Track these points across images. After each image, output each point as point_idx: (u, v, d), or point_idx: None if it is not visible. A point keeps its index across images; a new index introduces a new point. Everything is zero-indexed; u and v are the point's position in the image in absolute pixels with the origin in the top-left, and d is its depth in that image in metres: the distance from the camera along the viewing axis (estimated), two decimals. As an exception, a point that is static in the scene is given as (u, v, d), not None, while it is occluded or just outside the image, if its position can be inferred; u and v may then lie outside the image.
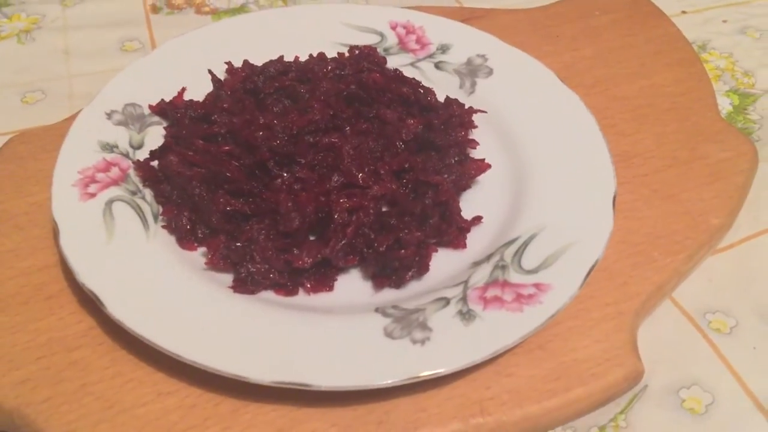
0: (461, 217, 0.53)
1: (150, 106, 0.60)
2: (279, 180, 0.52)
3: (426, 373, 0.44)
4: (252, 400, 0.47)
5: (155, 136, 0.59)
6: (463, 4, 0.82)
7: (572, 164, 0.56)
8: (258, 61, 0.63)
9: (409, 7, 0.70)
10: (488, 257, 0.52)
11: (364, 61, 0.61)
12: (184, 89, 0.61)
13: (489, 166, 0.56)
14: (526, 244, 0.52)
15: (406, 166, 0.54)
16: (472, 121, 0.59)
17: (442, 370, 0.44)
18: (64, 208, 0.51)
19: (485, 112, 0.60)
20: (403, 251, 0.49)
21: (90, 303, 0.50)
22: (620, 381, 0.49)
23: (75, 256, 0.49)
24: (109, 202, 0.53)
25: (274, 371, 0.44)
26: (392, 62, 0.65)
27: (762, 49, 0.78)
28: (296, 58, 0.63)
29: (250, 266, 0.49)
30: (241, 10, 0.81)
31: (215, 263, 0.50)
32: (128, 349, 0.49)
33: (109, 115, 0.58)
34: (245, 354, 0.45)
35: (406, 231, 0.50)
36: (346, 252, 0.50)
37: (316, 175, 0.53)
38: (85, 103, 0.67)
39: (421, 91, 0.60)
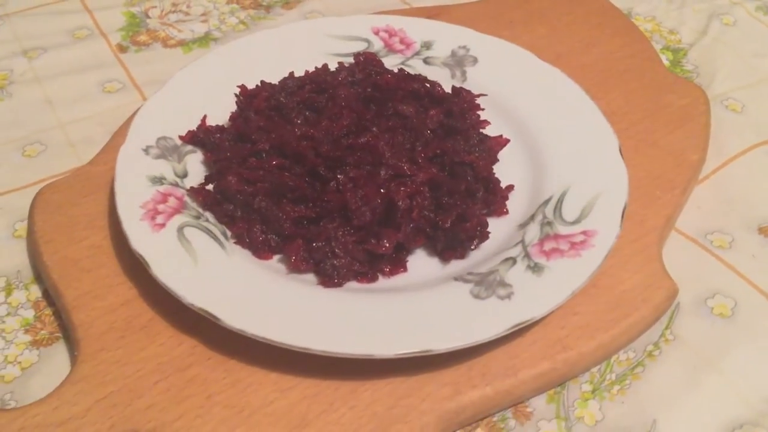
0: (501, 187, 0.59)
1: (181, 137, 0.63)
2: (333, 182, 0.57)
3: (522, 321, 0.50)
4: (366, 379, 0.51)
5: (195, 163, 0.62)
6: (411, 5, 0.89)
7: (574, 127, 0.64)
8: (262, 80, 0.68)
9: (380, 13, 0.76)
10: (532, 217, 0.59)
11: (370, 65, 0.67)
12: (205, 116, 0.64)
13: (508, 140, 0.63)
14: (560, 200, 0.59)
15: (438, 152, 0.60)
16: (479, 104, 0.66)
17: (535, 316, 0.51)
18: (142, 243, 0.54)
19: (486, 95, 0.67)
20: (468, 224, 0.55)
21: (186, 325, 0.54)
22: (663, 301, 0.57)
23: (173, 282, 0.51)
24: (180, 229, 0.56)
25: (396, 345, 0.49)
26: (385, 64, 0.70)
27: (677, 10, 0.89)
28: (306, 72, 0.68)
29: (334, 261, 0.54)
30: (207, 38, 0.84)
31: (298, 265, 0.55)
32: (238, 358, 0.52)
33: (146, 151, 0.61)
34: (365, 336, 0.49)
35: (465, 206, 0.56)
36: (414, 234, 0.56)
37: (364, 172, 0.58)
38: (90, 148, 0.70)
39: (428, 85, 0.66)
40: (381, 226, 0.55)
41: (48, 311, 0.58)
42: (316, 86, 0.65)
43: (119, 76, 0.79)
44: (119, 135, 0.68)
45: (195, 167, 0.62)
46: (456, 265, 0.56)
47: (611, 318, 0.55)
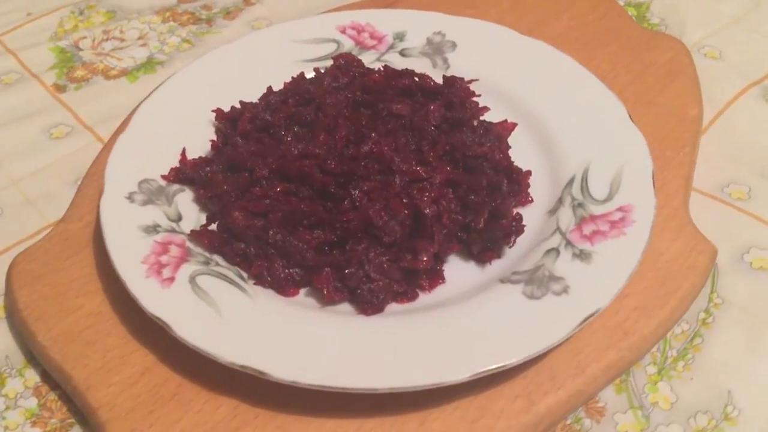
0: (523, 175, 0.56)
1: (164, 177, 0.57)
2: (347, 200, 0.52)
3: (589, 315, 0.47)
4: (432, 407, 0.47)
5: (186, 202, 0.56)
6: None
7: (576, 100, 0.61)
8: (235, 100, 0.62)
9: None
10: (560, 201, 0.55)
11: (352, 67, 0.62)
12: (184, 150, 0.58)
13: (515, 124, 0.60)
14: (584, 179, 0.56)
15: (448, 148, 0.56)
16: (473, 91, 0.62)
17: (600, 306, 0.47)
18: (155, 303, 0.48)
19: (477, 80, 0.63)
20: (504, 221, 0.52)
21: (221, 384, 0.48)
22: (708, 265, 0.55)
23: (202, 341, 0.46)
24: (192, 280, 0.50)
25: (466, 366, 0.45)
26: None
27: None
28: (285, 84, 0.63)
29: (371, 285, 0.49)
30: (151, 62, 0.77)
31: (333, 297, 0.50)
32: (288, 410, 0.47)
33: (130, 198, 0.55)
34: (429, 362, 0.45)
35: (495, 202, 0.52)
36: (447, 241, 0.52)
37: (378, 183, 0.53)
38: (53, 205, 0.63)
39: (417, 78, 0.61)
40: (411, 239, 0.51)
41: (53, 396, 0.52)
42: (299, 98, 0.60)
43: (64, 119, 0.72)
44: (87, 185, 0.61)
45: (187, 207, 0.56)
46: (494, 266, 0.53)
47: (663, 293, 0.53)
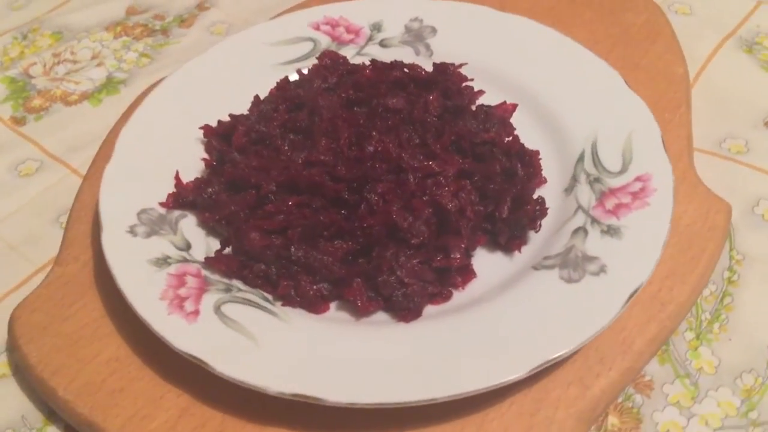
0: (536, 157, 0.55)
1: (162, 204, 0.54)
2: (363, 205, 0.50)
3: (633, 291, 0.46)
4: (488, 407, 0.46)
5: (189, 228, 0.53)
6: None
7: (569, 72, 0.60)
8: (221, 113, 0.59)
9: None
10: (574, 178, 0.54)
11: (339, 66, 0.59)
12: (177, 173, 0.55)
13: (515, 105, 0.58)
14: (594, 152, 0.55)
15: (454, 138, 0.55)
16: (466, 75, 0.60)
17: (643, 281, 0.47)
18: (185, 340, 0.45)
19: (467, 63, 0.61)
20: (528, 207, 0.50)
21: (270, 414, 0.46)
22: (726, 222, 0.55)
23: (245, 373, 0.44)
24: (217, 310, 0.47)
25: (523, 362, 0.43)
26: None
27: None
28: (271, 91, 0.60)
29: (405, 291, 0.47)
30: (111, 82, 0.73)
31: (368, 308, 0.48)
32: (342, 429, 0.45)
33: (132, 232, 0.51)
34: (485, 363, 0.44)
35: (516, 188, 0.51)
36: (473, 234, 0.50)
37: (392, 183, 0.51)
38: (39, 247, 0.59)
39: (406, 70, 0.60)
40: (438, 237, 0.49)
41: (82, 452, 0.49)
42: (290, 104, 0.57)
43: (30, 154, 0.67)
44: (76, 222, 0.58)
45: (193, 233, 0.53)
46: (521, 253, 0.51)
47: (691, 257, 0.52)
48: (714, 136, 0.64)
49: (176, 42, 0.77)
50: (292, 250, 0.49)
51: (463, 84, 0.59)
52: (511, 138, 0.55)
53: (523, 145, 0.55)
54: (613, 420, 0.48)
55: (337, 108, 0.56)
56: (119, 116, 0.68)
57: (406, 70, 0.60)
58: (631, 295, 0.46)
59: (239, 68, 0.63)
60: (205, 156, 0.58)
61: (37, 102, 0.72)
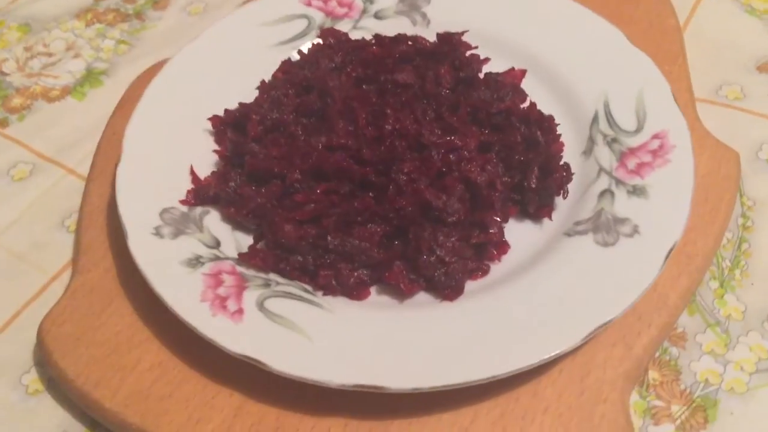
0: (551, 122, 0.55)
1: (182, 201, 0.52)
2: (392, 185, 0.50)
3: (670, 248, 0.47)
4: (540, 374, 0.47)
5: (214, 223, 0.52)
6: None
7: (571, 32, 0.60)
8: (224, 100, 0.58)
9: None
10: (591, 140, 0.55)
11: (343, 43, 0.58)
12: (192, 168, 0.54)
13: (524, 71, 0.58)
14: (608, 113, 0.56)
15: (469, 109, 0.54)
16: (469, 43, 0.60)
17: (677, 238, 0.48)
18: (236, 341, 0.45)
19: (468, 30, 0.61)
20: (556, 174, 0.51)
21: (324, 409, 0.46)
22: (737, 170, 0.56)
23: (305, 370, 0.43)
24: (261, 306, 0.47)
25: (580, 328, 0.44)
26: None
27: None
28: (275, 74, 0.58)
29: (446, 269, 0.48)
30: (92, 74, 0.71)
31: (411, 289, 0.48)
32: (399, 414, 0.46)
33: (158, 234, 0.50)
34: (543, 333, 0.44)
35: (540, 157, 0.51)
36: (504, 206, 0.51)
37: (417, 162, 0.51)
38: (50, 255, 0.57)
39: (410, 42, 0.59)
40: (472, 212, 0.49)
41: (134, 461, 0.48)
42: (298, 87, 0.56)
43: (21, 156, 0.65)
44: (88, 226, 0.56)
45: (219, 229, 0.52)
46: (552, 222, 0.52)
47: (710, 208, 0.54)
48: (710, 84, 0.65)
49: (153, 26, 0.75)
50: (329, 239, 0.48)
51: (468, 53, 0.59)
52: (528, 105, 0.55)
53: (540, 111, 0.55)
54: (653, 374, 0.50)
55: (349, 88, 0.55)
56: (106, 109, 0.66)
57: (410, 42, 0.59)
58: (668, 253, 0.47)
59: (235, 52, 0.61)
60: (216, 147, 0.56)
61: (17, 101, 0.69)
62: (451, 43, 0.58)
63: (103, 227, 0.55)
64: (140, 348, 0.49)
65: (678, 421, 0.48)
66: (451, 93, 0.55)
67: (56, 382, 0.50)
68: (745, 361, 0.50)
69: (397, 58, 0.57)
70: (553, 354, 0.43)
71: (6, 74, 0.71)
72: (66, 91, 0.69)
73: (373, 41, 0.59)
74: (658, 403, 0.49)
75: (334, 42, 0.58)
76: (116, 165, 0.54)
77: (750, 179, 0.59)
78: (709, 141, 0.57)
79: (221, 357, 0.46)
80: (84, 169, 0.63)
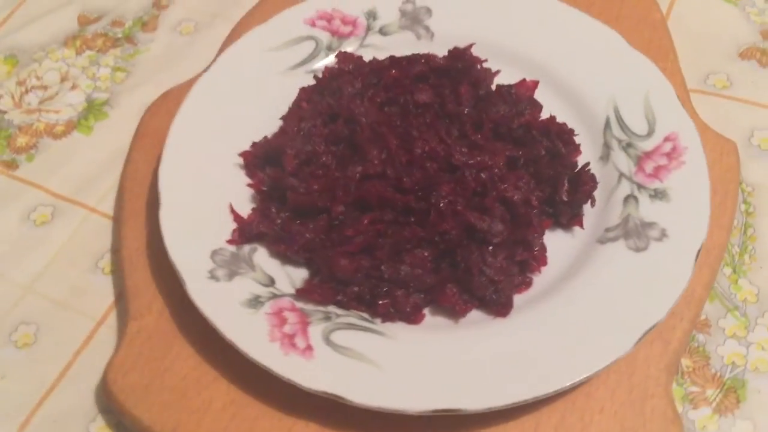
0: (569, 132, 0.58)
1: (230, 241, 0.54)
2: (434, 211, 0.52)
3: (698, 249, 0.51)
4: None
5: (263, 260, 0.54)
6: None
7: (572, 38, 0.63)
8: (246, 132, 0.59)
9: None
10: (606, 146, 0.58)
11: (362, 68, 0.60)
12: (231, 206, 0.56)
13: (536, 82, 0.61)
14: (618, 117, 0.59)
15: (491, 125, 0.57)
16: (478, 56, 0.62)
17: (703, 237, 0.52)
18: (313, 378, 0.47)
19: (474, 43, 0.63)
20: (586, 186, 0.54)
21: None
22: (736, 159, 0.60)
23: (386, 400, 0.46)
24: (328, 341, 0.49)
25: (630, 334, 0.48)
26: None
27: None
28: (297, 104, 0.60)
29: (497, 287, 0.51)
30: (94, 105, 0.70)
31: (465, 310, 0.51)
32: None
33: (213, 276, 0.52)
34: (597, 341, 0.48)
35: (567, 171, 0.54)
36: (540, 219, 0.54)
37: (452, 184, 0.53)
38: (92, 300, 0.58)
39: (423, 60, 0.61)
40: (513, 231, 0.52)
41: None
42: (324, 117, 0.58)
43: (38, 199, 0.65)
44: (131, 269, 0.57)
45: (269, 265, 0.54)
46: (581, 231, 0.55)
47: (719, 201, 0.58)
48: (697, 73, 0.69)
49: (146, 50, 0.74)
50: (383, 268, 0.51)
51: (479, 66, 0.61)
52: (544, 117, 0.58)
53: (560, 123, 0.58)
54: (686, 362, 0.54)
55: (374, 113, 0.57)
56: (117, 143, 0.67)
57: (423, 60, 0.61)
58: (698, 254, 0.51)
59: (248, 81, 0.62)
60: (248, 180, 0.58)
61: (21, 140, 0.68)
62: (464, 59, 0.60)
63: (146, 269, 0.56)
64: (210, 389, 0.51)
65: (714, 404, 0.52)
66: (472, 110, 0.58)
67: (129, 429, 0.52)
68: (766, 341, 0.55)
69: (413, 78, 0.59)
70: (611, 361, 0.47)
71: (3, 112, 0.70)
72: (71, 126, 0.69)
73: (388, 63, 0.61)
74: (693, 388, 0.53)
75: (353, 68, 0.60)
76: (146, 204, 0.57)
77: (746, 165, 0.63)
78: (709, 134, 0.61)
79: (292, 390, 0.48)
80: (105, 207, 0.63)
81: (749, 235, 0.60)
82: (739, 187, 0.62)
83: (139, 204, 0.60)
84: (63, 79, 0.72)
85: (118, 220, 0.60)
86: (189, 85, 0.66)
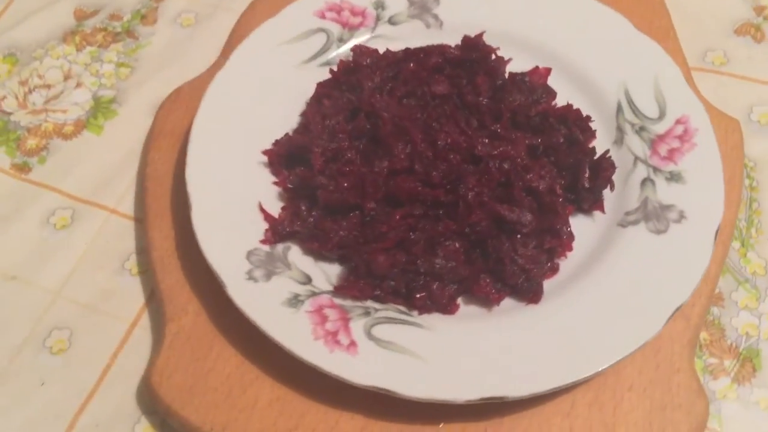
0: (584, 119, 0.60)
1: (263, 242, 0.55)
2: (462, 203, 0.54)
3: (716, 229, 0.54)
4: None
5: (298, 257, 0.55)
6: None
7: (580, 23, 0.65)
8: (266, 129, 0.60)
9: None
10: (619, 130, 0.60)
11: (380, 62, 0.61)
12: (260, 204, 0.56)
13: (548, 69, 0.62)
14: (630, 102, 0.61)
15: (509, 115, 0.59)
16: (491, 45, 0.63)
17: (720, 218, 0.54)
18: (362, 373, 0.49)
19: (485, 31, 0.64)
20: (606, 173, 0.56)
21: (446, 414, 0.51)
22: (739, 137, 0.63)
23: (430, 392, 0.48)
24: (369, 336, 0.51)
25: (660, 314, 0.51)
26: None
27: None
28: (316, 99, 0.60)
29: (528, 275, 0.53)
30: (101, 103, 0.70)
31: (499, 299, 0.53)
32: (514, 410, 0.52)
33: (251, 277, 0.53)
34: (629, 323, 0.51)
35: (588, 158, 0.56)
36: (564, 206, 0.56)
37: (477, 176, 0.55)
38: (116, 301, 0.59)
39: (438, 52, 0.62)
40: (540, 219, 0.54)
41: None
42: (346, 113, 0.59)
43: (56, 202, 0.64)
44: (162, 272, 0.57)
45: (303, 263, 0.55)
46: (601, 216, 0.57)
47: (728, 179, 0.59)
48: (695, 51, 0.71)
49: (148, 43, 0.74)
50: (419, 262, 0.52)
51: (494, 56, 0.62)
52: (566, 105, 0.59)
53: (577, 110, 0.59)
54: (703, 335, 0.57)
55: (395, 107, 0.58)
56: (129, 141, 0.67)
57: (438, 53, 0.62)
58: (716, 234, 0.54)
59: (264, 77, 0.63)
60: (273, 178, 0.58)
61: (32, 142, 0.68)
62: (477, 49, 0.61)
63: (179, 271, 0.57)
64: (254, 386, 0.52)
65: (732, 374, 0.56)
66: (489, 100, 0.59)
67: (176, 430, 0.53)
68: (776, 312, 0.58)
69: (430, 70, 0.60)
70: (643, 342, 0.50)
71: (8, 113, 0.70)
72: (80, 126, 0.69)
73: (403, 55, 0.61)
74: (712, 360, 0.56)
75: (370, 62, 0.61)
76: (170, 204, 0.58)
77: (747, 141, 0.65)
78: (713, 113, 0.63)
79: (335, 383, 0.50)
80: (125, 207, 0.64)
81: (754, 209, 0.62)
82: (742, 161, 0.64)
83: (162, 204, 0.60)
84: (66, 77, 0.72)
85: (142, 221, 0.61)
86: (200, 81, 0.66)
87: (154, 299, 0.58)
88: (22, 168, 0.66)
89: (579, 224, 0.57)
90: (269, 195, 0.58)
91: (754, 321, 0.58)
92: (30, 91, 0.71)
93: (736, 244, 0.61)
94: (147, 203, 0.61)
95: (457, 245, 0.53)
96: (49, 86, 0.71)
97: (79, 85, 0.71)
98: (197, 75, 0.68)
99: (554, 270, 0.55)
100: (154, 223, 0.59)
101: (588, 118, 0.59)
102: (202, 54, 0.71)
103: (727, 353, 0.56)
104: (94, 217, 0.63)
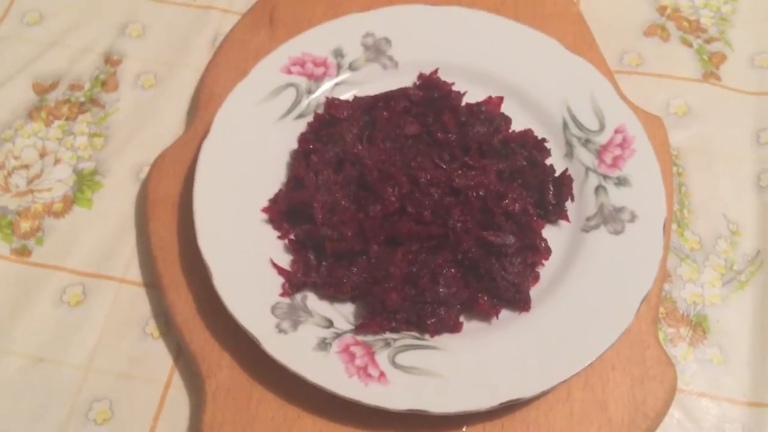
0: (540, 141, 0.68)
1: (282, 295, 0.61)
2: (452, 234, 0.62)
3: (663, 222, 0.63)
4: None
5: (315, 302, 0.62)
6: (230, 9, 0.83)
7: (518, 48, 0.73)
8: (260, 187, 0.66)
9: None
10: (568, 144, 0.69)
11: (356, 113, 0.67)
12: (272, 260, 0.63)
13: (501, 97, 0.70)
14: (573, 117, 0.70)
15: (475, 146, 0.66)
16: (446, 81, 0.70)
17: (664, 214, 0.64)
18: (397, 400, 0.56)
19: (438, 68, 0.71)
20: (566, 187, 0.65)
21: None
22: (665, 132, 0.73)
23: (458, 405, 0.56)
24: (394, 364, 0.58)
25: (631, 304, 0.60)
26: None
27: None
28: (300, 154, 0.66)
29: (518, 289, 0.61)
30: (83, 178, 0.73)
31: (497, 313, 0.61)
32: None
33: (282, 330, 0.59)
34: (615, 308, 0.60)
35: (549, 177, 0.65)
36: (537, 222, 0.65)
37: (461, 206, 0.63)
38: (147, 365, 0.64)
39: (404, 95, 0.69)
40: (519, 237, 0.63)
41: None
42: (333, 165, 0.65)
43: (65, 281, 0.68)
44: (191, 334, 0.63)
45: (322, 308, 0.62)
46: (568, 225, 0.66)
47: (662, 173, 0.70)
48: (613, 55, 0.80)
49: (115, 110, 0.77)
50: (427, 294, 0.60)
51: (451, 89, 0.70)
52: (525, 131, 0.67)
53: (535, 135, 0.68)
54: (660, 309, 0.67)
55: (378, 154, 0.65)
56: (121, 212, 0.71)
57: (404, 96, 0.69)
58: (664, 227, 0.64)
59: (247, 139, 0.67)
60: (276, 233, 0.64)
61: (25, 225, 0.71)
62: (438, 87, 0.69)
63: (205, 331, 0.63)
64: (297, 425, 0.59)
65: (688, 339, 0.66)
66: (456, 135, 0.67)
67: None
68: (714, 280, 0.69)
69: (400, 113, 0.67)
70: (622, 331, 0.59)
71: (-9, 199, 0.72)
72: (68, 201, 0.72)
73: (373, 102, 0.68)
74: (670, 330, 0.67)
75: (347, 115, 0.67)
76: (182, 269, 0.64)
77: (669, 132, 0.76)
78: (639, 114, 0.73)
79: (373, 412, 0.57)
80: (133, 275, 0.68)
81: (684, 193, 0.73)
82: (669, 152, 0.75)
83: (175, 270, 0.65)
84: (42, 155, 0.74)
85: (153, 286, 0.66)
86: (180, 146, 0.71)
87: (182, 359, 0.64)
88: (22, 252, 0.69)
89: (548, 234, 0.66)
90: (276, 248, 0.64)
91: (698, 290, 0.68)
92: (9, 174, 0.73)
93: (674, 226, 0.71)
94: (159, 271, 0.65)
95: (453, 271, 0.61)
96: (27, 166, 0.74)
97: (57, 161, 0.74)
98: (173, 138, 0.72)
99: (536, 279, 0.64)
100: (171, 289, 0.64)
101: (543, 139, 0.67)
102: (171, 114, 0.76)
103: (681, 322, 0.67)
104: (106, 289, 0.68)
